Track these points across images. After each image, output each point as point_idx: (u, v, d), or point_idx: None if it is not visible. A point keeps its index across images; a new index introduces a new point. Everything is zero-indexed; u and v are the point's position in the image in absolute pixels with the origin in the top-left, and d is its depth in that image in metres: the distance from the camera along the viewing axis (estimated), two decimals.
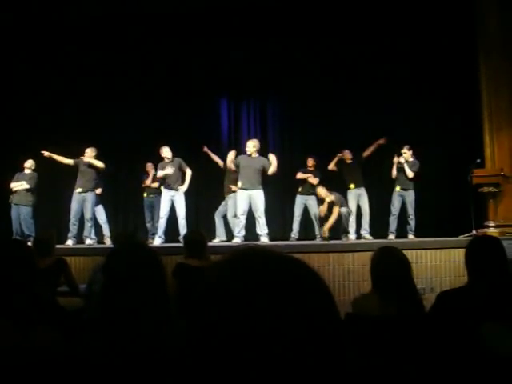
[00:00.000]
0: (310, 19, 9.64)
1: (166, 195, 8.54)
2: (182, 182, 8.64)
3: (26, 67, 9.82)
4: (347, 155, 9.09)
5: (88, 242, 8.43)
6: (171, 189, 8.52)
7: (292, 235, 9.12)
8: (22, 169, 8.88)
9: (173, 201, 8.52)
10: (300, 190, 9.24)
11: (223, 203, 9.20)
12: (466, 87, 9.13)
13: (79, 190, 8.43)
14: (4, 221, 8.81)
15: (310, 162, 9.31)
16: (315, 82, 9.94)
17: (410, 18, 9.35)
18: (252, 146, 8.23)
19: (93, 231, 8.69)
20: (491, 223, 8.08)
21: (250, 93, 10.80)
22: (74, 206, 8.41)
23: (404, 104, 9.62)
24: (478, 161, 8.25)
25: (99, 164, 8.53)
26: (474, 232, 7.74)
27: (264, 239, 8.06)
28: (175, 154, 8.76)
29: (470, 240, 2.96)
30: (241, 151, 8.59)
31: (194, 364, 0.65)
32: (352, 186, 8.95)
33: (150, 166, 9.61)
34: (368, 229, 8.88)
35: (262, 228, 8.10)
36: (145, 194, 9.78)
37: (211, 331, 0.64)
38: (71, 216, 8.42)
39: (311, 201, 9.08)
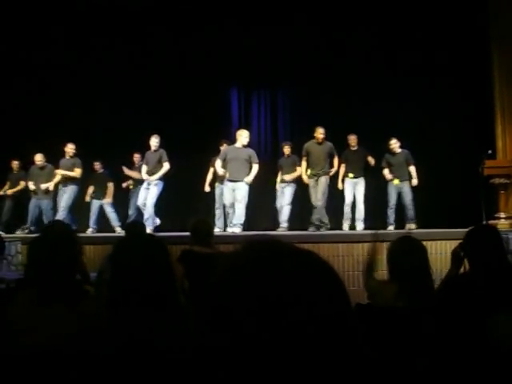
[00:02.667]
0: (321, 8, 9.56)
1: (145, 184, 8.64)
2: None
3: (20, 58, 9.74)
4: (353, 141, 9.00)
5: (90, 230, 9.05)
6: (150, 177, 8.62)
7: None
8: (32, 162, 9.06)
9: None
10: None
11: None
12: (479, 78, 9.05)
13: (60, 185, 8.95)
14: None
15: (287, 149, 9.17)
16: (326, 71, 9.87)
17: (422, 7, 9.25)
18: (247, 136, 8.20)
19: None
20: (502, 214, 8.05)
21: (261, 82, 10.75)
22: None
23: (415, 94, 9.55)
24: (490, 152, 8.19)
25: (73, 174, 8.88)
26: (484, 223, 7.70)
27: (236, 230, 7.90)
28: (185, 145, 8.75)
29: (468, 230, 2.99)
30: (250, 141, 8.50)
31: (204, 351, 0.65)
32: (351, 175, 8.90)
33: (136, 157, 9.63)
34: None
35: (238, 218, 7.97)
36: (131, 186, 9.76)
37: (224, 319, 0.64)
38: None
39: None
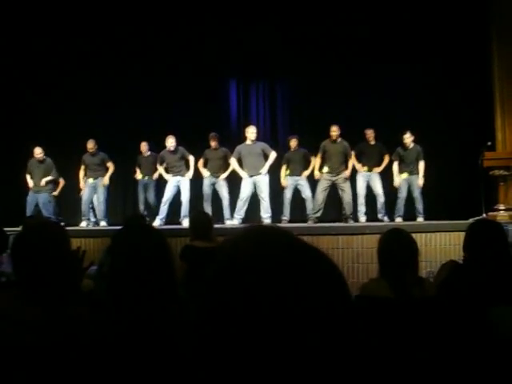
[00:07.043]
0: None
1: (172, 181, 8.72)
2: (187, 169, 8.82)
3: (28, 52, 9.74)
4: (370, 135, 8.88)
5: (102, 223, 8.99)
6: (177, 175, 8.71)
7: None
8: (31, 156, 9.00)
9: (179, 186, 8.71)
10: (288, 172, 8.89)
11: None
12: (478, 70, 9.03)
13: (90, 179, 9.02)
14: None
15: (294, 142, 8.95)
16: (324, 62, 9.82)
17: None
18: (255, 132, 8.42)
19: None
20: (501, 206, 8.03)
21: (259, 74, 10.71)
22: (86, 192, 8.98)
23: (415, 86, 9.51)
24: (489, 144, 8.18)
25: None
26: (484, 215, 7.70)
27: (267, 221, 8.21)
28: (184, 137, 8.79)
29: (470, 223, 3.01)
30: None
31: (203, 344, 0.65)
32: (364, 168, 8.82)
33: (144, 146, 9.41)
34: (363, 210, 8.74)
35: (265, 211, 8.30)
36: (139, 176, 9.46)
37: (222, 308, 0.64)
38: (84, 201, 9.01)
39: (302, 181, 8.77)
